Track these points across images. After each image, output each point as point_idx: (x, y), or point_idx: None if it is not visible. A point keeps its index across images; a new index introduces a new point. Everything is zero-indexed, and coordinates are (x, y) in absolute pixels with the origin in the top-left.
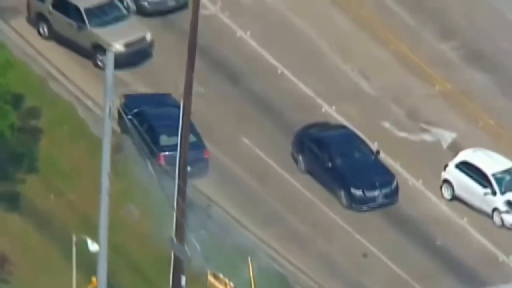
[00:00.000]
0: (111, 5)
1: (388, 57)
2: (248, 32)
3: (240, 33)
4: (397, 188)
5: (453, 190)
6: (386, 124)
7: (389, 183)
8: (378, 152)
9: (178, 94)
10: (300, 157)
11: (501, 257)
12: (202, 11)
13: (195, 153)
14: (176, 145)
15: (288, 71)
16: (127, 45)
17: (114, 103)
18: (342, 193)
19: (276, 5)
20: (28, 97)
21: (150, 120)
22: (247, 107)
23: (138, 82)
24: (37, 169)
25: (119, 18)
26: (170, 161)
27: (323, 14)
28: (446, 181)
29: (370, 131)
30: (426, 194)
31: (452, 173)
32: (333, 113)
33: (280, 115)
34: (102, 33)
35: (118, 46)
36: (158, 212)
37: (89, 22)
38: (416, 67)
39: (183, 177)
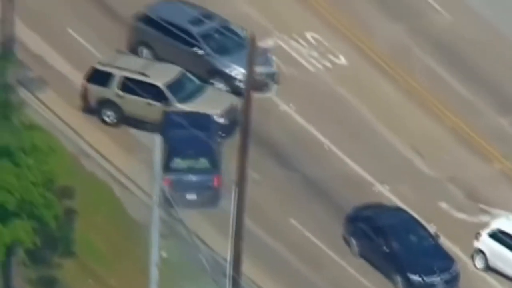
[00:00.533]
0: (186, 78)
1: (443, 132)
2: (292, 105)
3: (283, 107)
4: (457, 273)
5: (486, 260)
6: (443, 205)
7: (449, 268)
8: (437, 236)
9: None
10: (353, 241)
11: None
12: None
13: (203, 179)
14: (188, 169)
15: (335, 147)
16: (225, 113)
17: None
18: (399, 279)
19: (321, 76)
20: (60, 175)
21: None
22: (293, 187)
23: None
24: (73, 253)
25: (200, 89)
26: (177, 187)
27: (371, 85)
28: (479, 251)
29: (426, 212)
30: (487, 280)
31: (485, 242)
32: (386, 193)
33: (329, 194)
34: (193, 106)
35: (218, 114)
36: None
37: (174, 98)
38: (473, 143)
39: (236, 268)
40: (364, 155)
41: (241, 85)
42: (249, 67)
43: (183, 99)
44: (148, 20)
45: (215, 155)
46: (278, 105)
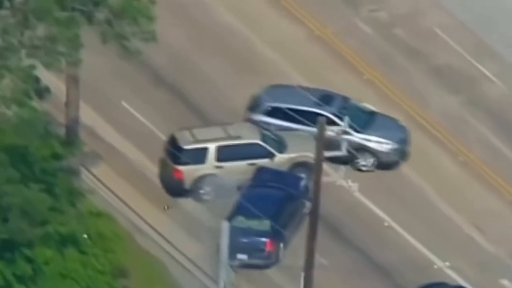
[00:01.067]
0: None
1: (503, 205)
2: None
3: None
4: None
5: None
6: (505, 282)
7: None
8: None
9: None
10: None
11: None
12: None
13: (256, 242)
14: (247, 229)
15: (395, 224)
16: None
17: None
18: None
19: None
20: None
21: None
22: (353, 264)
23: None
24: None
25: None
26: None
27: (428, 158)
28: None
29: None
30: None
31: None
32: (447, 270)
33: (389, 273)
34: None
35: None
36: None
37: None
38: None
39: None
40: (424, 232)
41: (390, 157)
42: (318, 151)
43: (280, 150)
44: (270, 111)
45: (281, 220)
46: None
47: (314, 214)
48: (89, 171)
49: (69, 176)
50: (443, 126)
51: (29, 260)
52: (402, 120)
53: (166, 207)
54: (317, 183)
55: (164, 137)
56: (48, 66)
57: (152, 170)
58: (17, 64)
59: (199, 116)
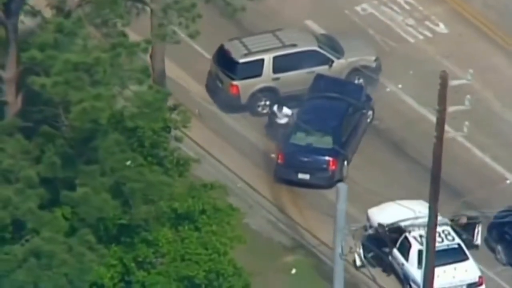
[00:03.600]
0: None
1: None
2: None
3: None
4: None
5: None
6: None
7: None
8: None
9: None
10: (499, 247)
11: None
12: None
13: (319, 160)
14: (307, 146)
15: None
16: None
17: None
18: None
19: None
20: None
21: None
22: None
23: None
24: None
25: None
26: (290, 164)
27: (481, 57)
28: None
29: None
30: None
31: None
32: None
33: (458, 191)
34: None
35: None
36: None
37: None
38: None
39: None
40: (487, 140)
41: None
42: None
43: (338, 55)
44: None
45: (344, 134)
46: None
47: (437, 173)
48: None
49: (176, 146)
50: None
51: (149, 244)
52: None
53: (197, 111)
54: (439, 139)
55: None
56: (162, 38)
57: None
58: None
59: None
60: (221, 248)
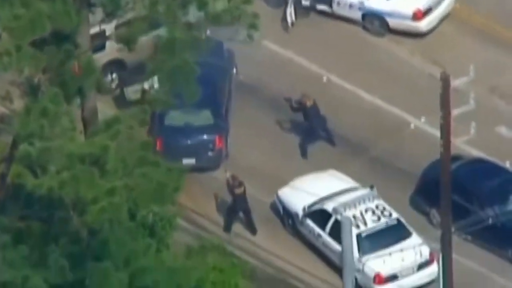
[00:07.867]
0: None
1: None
2: None
3: None
4: None
5: None
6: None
7: None
8: None
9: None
10: (435, 211)
11: None
12: None
13: (202, 141)
14: (185, 126)
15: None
16: None
17: None
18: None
19: None
20: None
21: None
22: None
23: None
24: None
25: None
26: (171, 150)
27: None
28: None
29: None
30: None
31: None
32: (426, 127)
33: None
34: None
35: None
36: None
37: None
38: None
39: None
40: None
41: None
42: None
43: None
44: None
45: (220, 103)
46: None
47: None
48: None
49: None
50: None
51: None
52: None
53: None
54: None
55: None
56: None
57: None
58: None
59: None
60: None
